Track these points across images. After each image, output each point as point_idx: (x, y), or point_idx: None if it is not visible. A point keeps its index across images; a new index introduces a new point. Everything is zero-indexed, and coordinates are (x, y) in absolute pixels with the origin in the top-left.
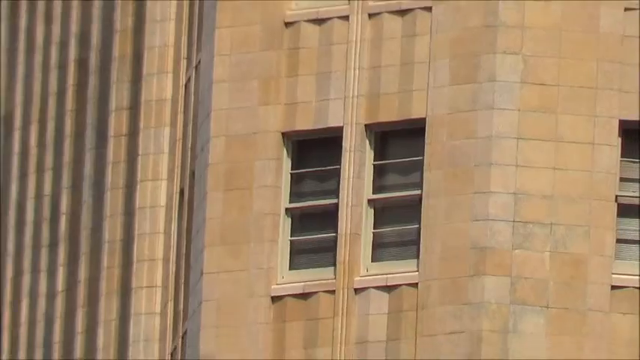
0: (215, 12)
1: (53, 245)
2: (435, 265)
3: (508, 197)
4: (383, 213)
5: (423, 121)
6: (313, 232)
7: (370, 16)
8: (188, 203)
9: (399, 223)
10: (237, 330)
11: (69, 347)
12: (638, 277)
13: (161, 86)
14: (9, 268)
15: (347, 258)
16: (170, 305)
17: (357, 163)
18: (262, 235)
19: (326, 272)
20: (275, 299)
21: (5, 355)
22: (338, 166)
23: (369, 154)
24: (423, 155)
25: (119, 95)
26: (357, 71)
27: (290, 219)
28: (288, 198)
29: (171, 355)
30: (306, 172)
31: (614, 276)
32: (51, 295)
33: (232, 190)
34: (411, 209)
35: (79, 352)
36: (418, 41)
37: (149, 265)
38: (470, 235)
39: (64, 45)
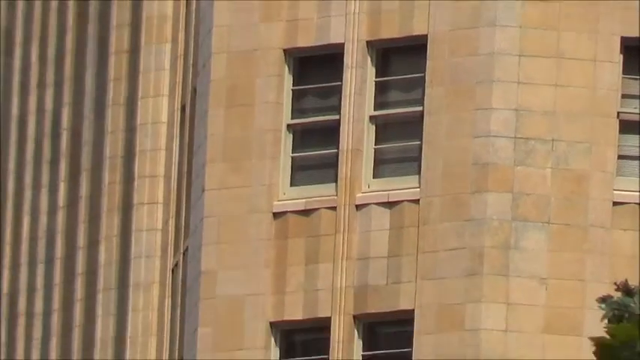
0: None
1: (54, 161)
2: (437, 182)
3: (510, 114)
4: (384, 129)
5: (424, 37)
6: (315, 149)
7: None
8: (189, 120)
9: (400, 139)
10: (238, 246)
11: (70, 263)
12: (638, 194)
13: (162, 2)
14: (10, 183)
15: (348, 174)
16: (171, 222)
17: (358, 80)
18: (264, 151)
19: (327, 188)
20: (276, 215)
21: (6, 271)
22: (339, 83)
23: (371, 71)
24: (424, 72)
25: (120, 11)
26: None
27: (291, 135)
28: (290, 114)
29: (173, 271)
30: (308, 88)
31: (615, 192)
32: (52, 211)
33: (234, 107)
34: (413, 126)
35: (80, 268)
36: None
37: (150, 181)
38: (471, 151)
39: None
